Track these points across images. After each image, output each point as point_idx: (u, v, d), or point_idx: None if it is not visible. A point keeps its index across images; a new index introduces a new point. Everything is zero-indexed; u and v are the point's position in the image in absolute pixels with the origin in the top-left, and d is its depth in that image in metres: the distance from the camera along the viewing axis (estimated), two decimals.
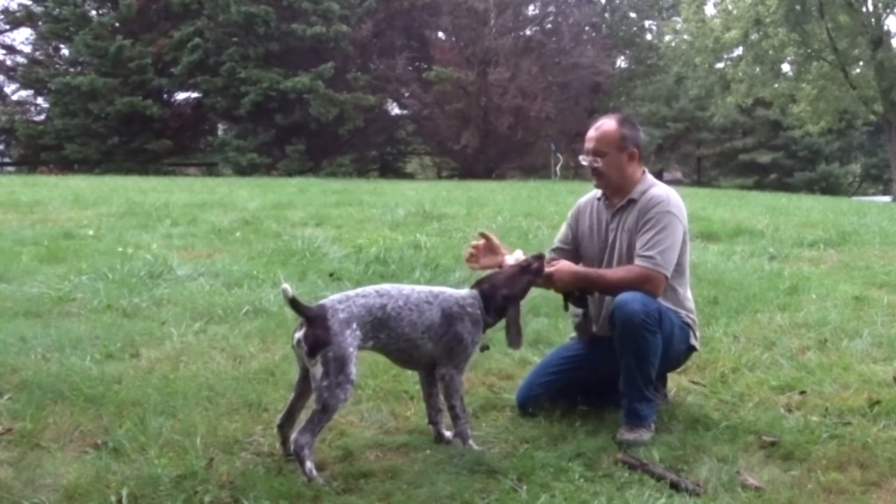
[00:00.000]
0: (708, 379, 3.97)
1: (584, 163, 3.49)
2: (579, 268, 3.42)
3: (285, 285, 2.86)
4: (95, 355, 4.04)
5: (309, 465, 2.79)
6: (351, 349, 2.85)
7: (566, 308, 3.50)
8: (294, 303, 2.85)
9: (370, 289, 3.04)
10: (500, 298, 3.15)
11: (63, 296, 5.24)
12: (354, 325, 2.88)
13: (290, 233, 8.26)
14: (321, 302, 2.97)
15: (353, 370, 2.86)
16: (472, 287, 3.22)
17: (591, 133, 3.47)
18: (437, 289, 3.19)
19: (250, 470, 2.87)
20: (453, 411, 3.11)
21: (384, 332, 2.98)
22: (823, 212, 11.92)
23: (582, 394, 3.50)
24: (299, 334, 2.87)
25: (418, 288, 3.15)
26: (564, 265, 3.37)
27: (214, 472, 2.85)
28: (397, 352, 3.08)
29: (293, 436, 2.84)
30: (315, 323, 2.84)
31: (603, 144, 3.42)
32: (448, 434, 3.19)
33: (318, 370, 2.82)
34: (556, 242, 3.73)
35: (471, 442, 3.10)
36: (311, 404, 2.89)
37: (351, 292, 3.01)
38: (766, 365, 4.16)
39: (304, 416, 2.96)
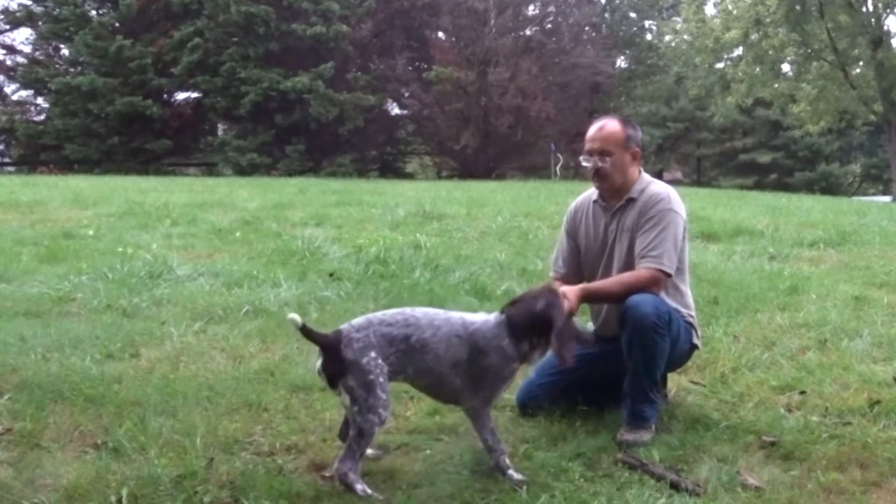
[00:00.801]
0: (708, 379, 3.97)
1: (587, 164, 3.43)
2: (584, 285, 3.33)
3: (292, 315, 2.74)
4: (95, 355, 4.04)
5: (360, 486, 2.71)
6: (373, 375, 2.72)
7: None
8: (306, 331, 2.76)
9: (399, 315, 2.86)
10: (529, 325, 2.92)
11: (63, 296, 5.24)
12: (374, 353, 2.74)
13: (290, 233, 8.26)
14: (339, 328, 2.83)
15: (382, 394, 2.73)
16: (501, 312, 2.98)
17: (594, 134, 3.42)
18: (469, 318, 2.94)
19: (250, 470, 2.87)
20: (486, 444, 2.90)
21: (411, 365, 2.84)
22: (823, 212, 11.92)
23: (582, 394, 3.50)
24: (318, 365, 2.80)
25: (452, 317, 2.93)
26: (568, 289, 3.20)
27: (214, 472, 2.85)
28: (426, 387, 2.99)
29: (335, 465, 2.76)
30: (329, 353, 2.76)
31: (609, 144, 3.38)
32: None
33: (345, 398, 2.76)
34: (557, 261, 3.65)
35: (510, 472, 2.86)
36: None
37: (376, 316, 2.86)
38: (766, 365, 4.15)
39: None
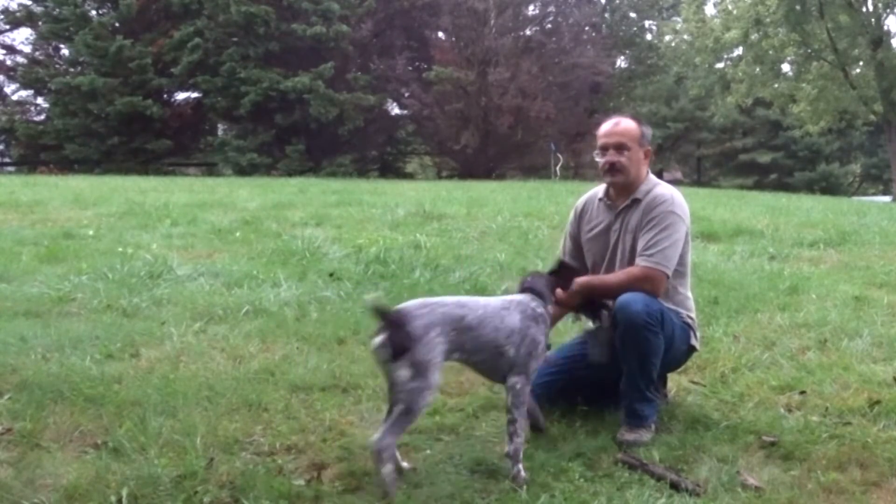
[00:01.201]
0: (708, 379, 3.97)
1: (601, 159, 3.44)
2: (580, 279, 3.36)
3: (370, 296, 2.87)
4: (95, 355, 4.04)
5: (389, 467, 2.72)
6: (433, 354, 2.78)
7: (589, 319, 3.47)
8: (377, 309, 2.79)
9: (449, 299, 3.00)
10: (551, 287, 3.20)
11: (63, 296, 5.24)
12: (437, 331, 2.81)
13: (290, 233, 8.26)
14: (400, 306, 2.88)
15: (437, 377, 2.79)
16: (520, 291, 3.17)
17: (610, 129, 3.44)
18: (505, 297, 3.16)
19: (250, 470, 2.87)
20: (513, 426, 2.93)
21: (469, 341, 2.91)
22: (823, 212, 11.91)
23: (581, 394, 3.50)
24: (380, 339, 2.78)
25: (490, 299, 3.12)
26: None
27: (214, 472, 2.85)
28: (482, 363, 3.02)
29: (375, 437, 2.75)
30: (396, 327, 2.77)
31: (627, 139, 3.41)
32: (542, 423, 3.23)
33: (402, 373, 2.75)
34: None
35: (520, 467, 2.89)
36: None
37: (430, 300, 2.95)
38: (766, 365, 4.15)
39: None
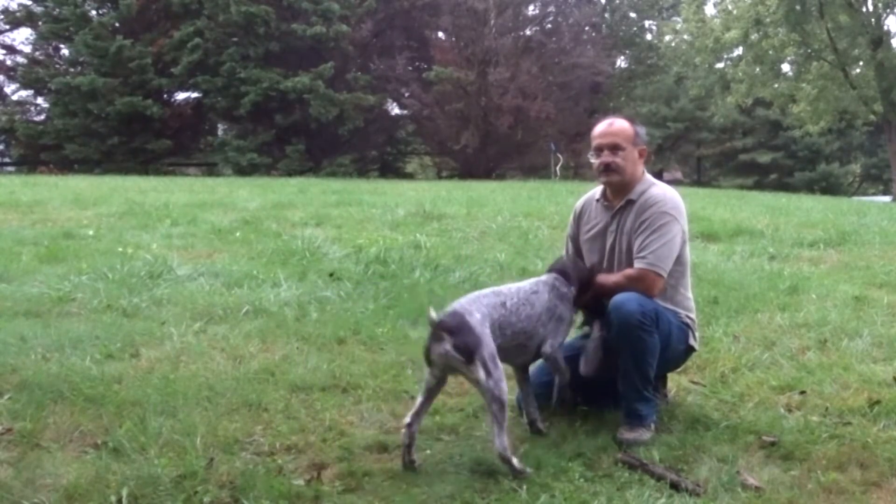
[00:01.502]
0: (708, 379, 3.97)
1: (596, 160, 3.46)
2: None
3: (431, 310, 2.92)
4: (95, 355, 4.04)
5: (516, 461, 2.87)
6: (493, 347, 2.92)
7: (587, 324, 3.55)
8: (435, 322, 2.89)
9: (486, 290, 3.16)
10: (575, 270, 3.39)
11: (63, 296, 5.24)
12: (488, 325, 2.96)
13: (290, 233, 8.26)
14: (452, 309, 2.99)
15: (500, 363, 2.92)
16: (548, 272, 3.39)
17: (604, 129, 3.48)
18: (534, 279, 3.34)
19: (250, 470, 2.87)
20: (563, 383, 3.29)
21: (509, 328, 3.07)
22: (823, 212, 11.91)
23: (582, 394, 3.50)
24: (447, 346, 2.86)
25: (520, 284, 3.29)
26: None
27: (214, 472, 2.85)
28: (516, 347, 3.15)
29: (496, 444, 2.86)
30: (461, 331, 2.86)
31: (621, 139, 3.44)
32: (542, 426, 3.30)
33: (480, 373, 2.85)
34: None
35: (540, 423, 3.27)
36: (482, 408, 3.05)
37: (472, 295, 3.10)
38: (766, 365, 4.15)
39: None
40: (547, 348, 3.22)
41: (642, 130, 3.53)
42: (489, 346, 2.89)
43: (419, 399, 3.05)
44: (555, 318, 3.24)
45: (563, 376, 3.32)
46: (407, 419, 3.00)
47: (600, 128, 3.50)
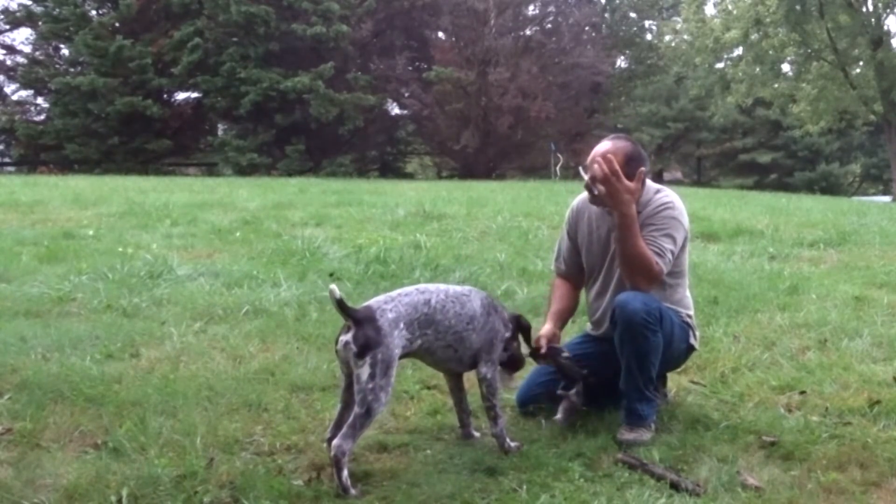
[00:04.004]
0: (708, 379, 3.97)
1: (586, 178, 3.32)
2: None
3: (333, 286, 2.82)
4: (95, 355, 4.04)
5: (345, 473, 2.72)
6: (397, 351, 2.84)
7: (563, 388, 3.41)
8: (341, 304, 2.81)
9: (410, 288, 3.05)
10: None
11: (63, 296, 5.24)
12: (402, 325, 2.87)
13: (290, 233, 8.26)
14: (367, 303, 2.93)
15: (393, 378, 2.83)
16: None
17: (594, 154, 3.31)
18: (464, 286, 3.28)
19: (250, 470, 2.87)
20: (493, 411, 3.11)
21: (431, 327, 2.97)
22: (823, 212, 11.92)
23: (582, 393, 3.50)
24: (347, 336, 2.81)
25: (450, 286, 3.20)
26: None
27: (214, 472, 2.85)
28: (444, 348, 3.05)
29: (335, 441, 2.76)
30: (364, 324, 2.80)
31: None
32: (476, 434, 3.25)
33: (364, 371, 2.77)
34: (558, 259, 3.68)
35: (508, 441, 3.10)
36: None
37: (394, 293, 3.00)
38: (766, 365, 4.15)
39: None
40: (484, 371, 3.09)
41: (638, 154, 3.36)
42: (389, 350, 2.79)
43: (337, 407, 2.94)
44: (488, 329, 3.10)
45: (493, 400, 3.11)
46: (327, 434, 2.91)
47: (595, 149, 3.35)
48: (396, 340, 2.84)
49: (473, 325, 3.07)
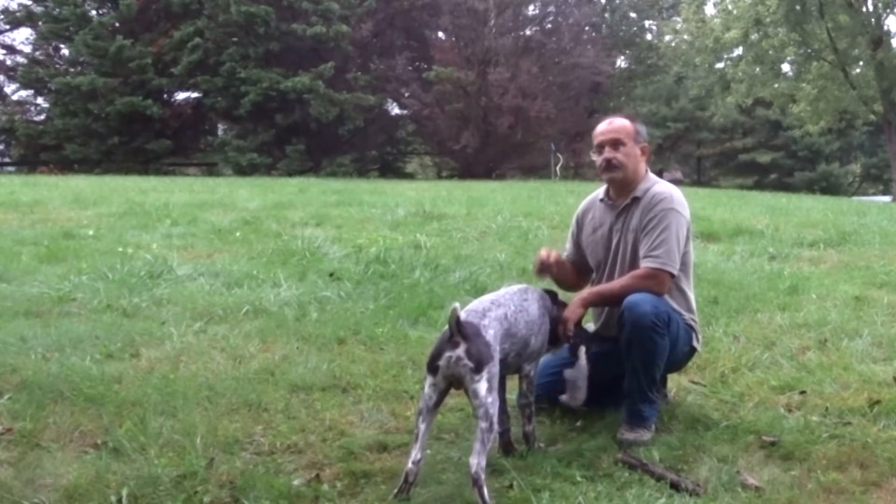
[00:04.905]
0: (708, 379, 3.97)
1: (598, 158, 3.46)
2: (584, 293, 3.43)
3: (456, 304, 2.76)
4: (95, 355, 4.04)
5: (486, 491, 2.63)
6: (497, 366, 2.83)
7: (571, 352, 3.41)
8: (459, 323, 2.75)
9: (486, 299, 3.02)
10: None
11: (63, 296, 5.24)
12: (499, 341, 2.87)
13: (290, 233, 8.26)
14: (468, 320, 2.85)
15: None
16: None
17: (605, 128, 3.47)
18: (516, 287, 3.22)
19: (250, 470, 2.87)
20: (529, 409, 3.15)
21: (509, 340, 2.96)
22: (823, 212, 11.91)
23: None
24: (458, 352, 2.73)
25: (509, 291, 3.14)
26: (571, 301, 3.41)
27: (214, 472, 2.85)
28: (514, 357, 3.04)
29: (472, 461, 2.64)
30: (475, 339, 2.76)
31: (622, 135, 3.43)
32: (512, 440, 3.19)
33: (481, 386, 2.70)
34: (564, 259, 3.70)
35: (539, 442, 3.15)
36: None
37: (478, 306, 2.94)
38: (766, 365, 4.15)
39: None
40: (527, 367, 3.13)
41: (643, 128, 3.53)
42: (497, 365, 2.80)
43: (420, 427, 2.76)
44: (543, 331, 3.14)
45: (531, 397, 3.16)
46: (416, 454, 2.74)
47: (601, 126, 3.50)
48: (498, 352, 2.83)
49: (534, 330, 3.09)
